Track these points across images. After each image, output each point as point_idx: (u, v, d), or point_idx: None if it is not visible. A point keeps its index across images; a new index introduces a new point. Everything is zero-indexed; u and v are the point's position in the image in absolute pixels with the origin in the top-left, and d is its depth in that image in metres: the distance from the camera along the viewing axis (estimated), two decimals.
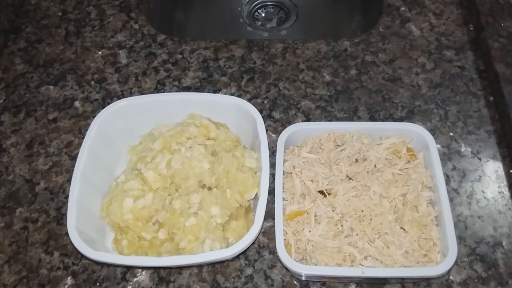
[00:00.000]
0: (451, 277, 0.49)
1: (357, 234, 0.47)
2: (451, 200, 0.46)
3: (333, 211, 0.49)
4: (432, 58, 0.66)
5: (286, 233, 0.48)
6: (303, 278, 0.49)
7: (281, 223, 0.47)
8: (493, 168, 0.56)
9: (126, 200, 0.49)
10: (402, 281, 0.49)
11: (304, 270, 0.45)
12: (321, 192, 0.50)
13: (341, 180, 0.50)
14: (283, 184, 0.51)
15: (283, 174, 0.51)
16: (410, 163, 0.51)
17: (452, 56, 0.66)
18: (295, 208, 0.49)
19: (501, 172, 0.56)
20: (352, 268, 0.45)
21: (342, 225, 0.48)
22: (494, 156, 0.57)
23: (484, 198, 0.54)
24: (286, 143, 0.52)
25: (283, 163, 0.51)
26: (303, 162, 0.52)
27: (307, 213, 0.49)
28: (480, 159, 0.57)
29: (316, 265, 0.46)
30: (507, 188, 0.54)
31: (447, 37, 0.68)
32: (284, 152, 0.52)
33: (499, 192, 0.54)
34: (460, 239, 0.51)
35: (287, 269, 0.48)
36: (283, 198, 0.50)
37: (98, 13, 0.73)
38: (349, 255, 0.46)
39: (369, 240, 0.47)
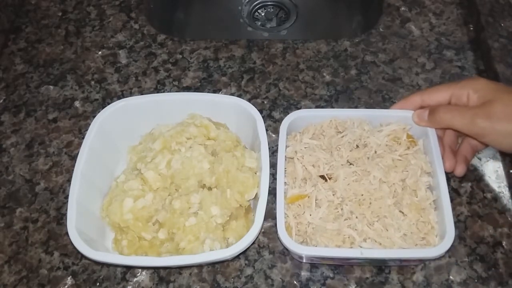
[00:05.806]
0: (451, 277, 0.49)
1: (356, 217, 0.47)
2: (451, 200, 0.47)
3: (333, 195, 0.49)
4: (432, 58, 0.66)
5: (287, 216, 0.48)
6: (304, 260, 0.49)
7: (282, 205, 0.47)
8: (493, 168, 0.56)
9: (126, 200, 0.49)
10: (400, 263, 0.49)
11: (304, 251, 0.45)
12: (322, 177, 0.50)
13: (341, 165, 0.51)
14: (285, 168, 0.51)
15: (285, 159, 0.51)
16: (409, 149, 0.51)
17: (452, 56, 0.66)
18: (297, 192, 0.49)
19: (501, 172, 0.56)
20: (351, 249, 0.46)
21: (342, 209, 0.48)
22: (494, 156, 0.57)
23: (484, 198, 0.54)
24: (288, 129, 0.53)
25: (285, 149, 0.52)
26: (305, 147, 0.52)
27: (308, 197, 0.49)
28: (480, 159, 0.57)
29: (316, 246, 0.46)
30: (507, 188, 0.54)
31: (447, 37, 0.68)
32: (287, 138, 0.53)
33: (499, 192, 0.54)
34: (460, 239, 0.51)
35: (287, 249, 0.47)
36: (285, 182, 0.50)
37: (98, 13, 0.73)
38: (349, 237, 0.47)
39: (368, 223, 0.47)
